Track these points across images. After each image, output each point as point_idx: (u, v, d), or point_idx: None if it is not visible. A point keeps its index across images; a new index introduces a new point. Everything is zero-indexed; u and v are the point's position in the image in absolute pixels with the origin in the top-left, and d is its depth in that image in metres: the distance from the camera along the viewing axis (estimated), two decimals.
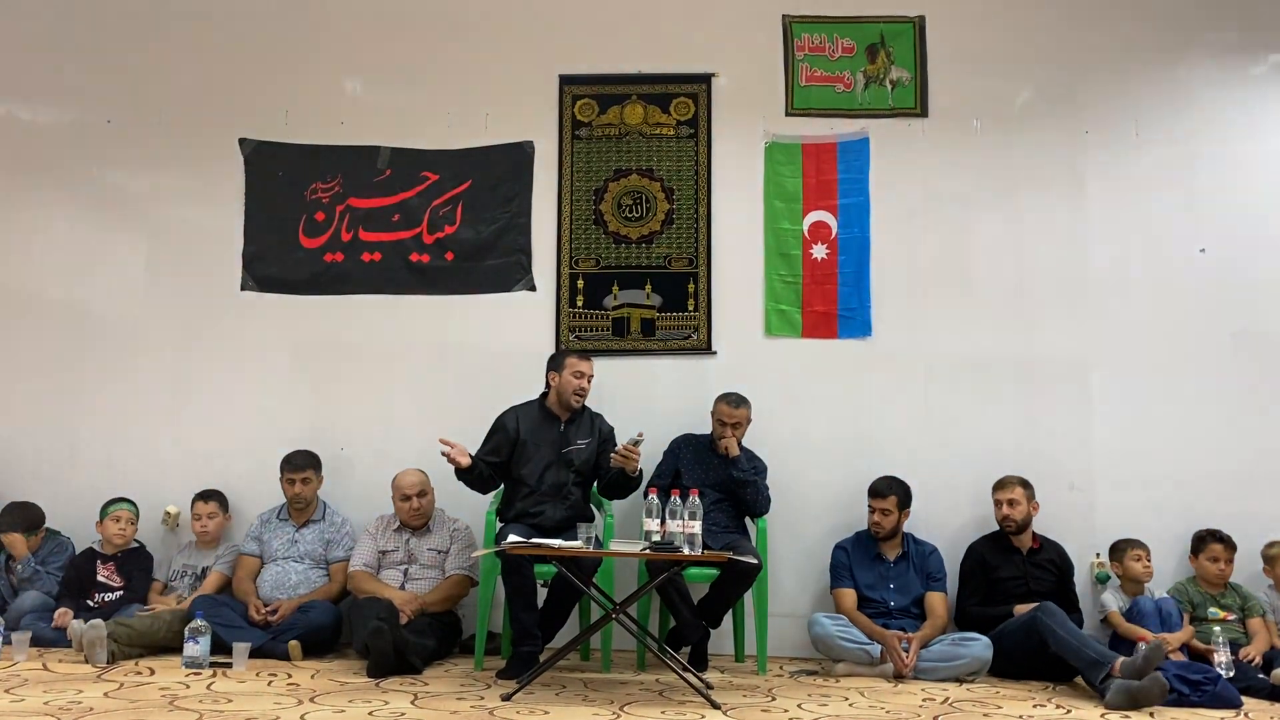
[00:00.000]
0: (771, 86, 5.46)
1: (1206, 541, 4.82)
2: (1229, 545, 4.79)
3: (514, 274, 5.44)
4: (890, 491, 4.79)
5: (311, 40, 5.62)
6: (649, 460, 4.96)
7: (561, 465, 4.65)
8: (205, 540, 5.06)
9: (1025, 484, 4.84)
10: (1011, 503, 4.80)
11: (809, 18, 5.49)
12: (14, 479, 5.19)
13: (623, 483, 4.61)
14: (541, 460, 4.64)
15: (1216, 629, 4.52)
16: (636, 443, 4.42)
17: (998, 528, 4.88)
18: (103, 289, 5.51)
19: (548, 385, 4.76)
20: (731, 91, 5.48)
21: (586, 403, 4.81)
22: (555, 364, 4.76)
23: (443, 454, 4.46)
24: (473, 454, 4.56)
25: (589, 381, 4.72)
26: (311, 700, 3.74)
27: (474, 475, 4.57)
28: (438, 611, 4.70)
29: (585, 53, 5.52)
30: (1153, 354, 5.22)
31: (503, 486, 4.77)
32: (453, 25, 5.59)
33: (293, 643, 4.51)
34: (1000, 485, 4.88)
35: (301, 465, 5.04)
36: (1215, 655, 4.37)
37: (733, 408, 4.89)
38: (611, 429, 4.80)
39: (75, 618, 4.54)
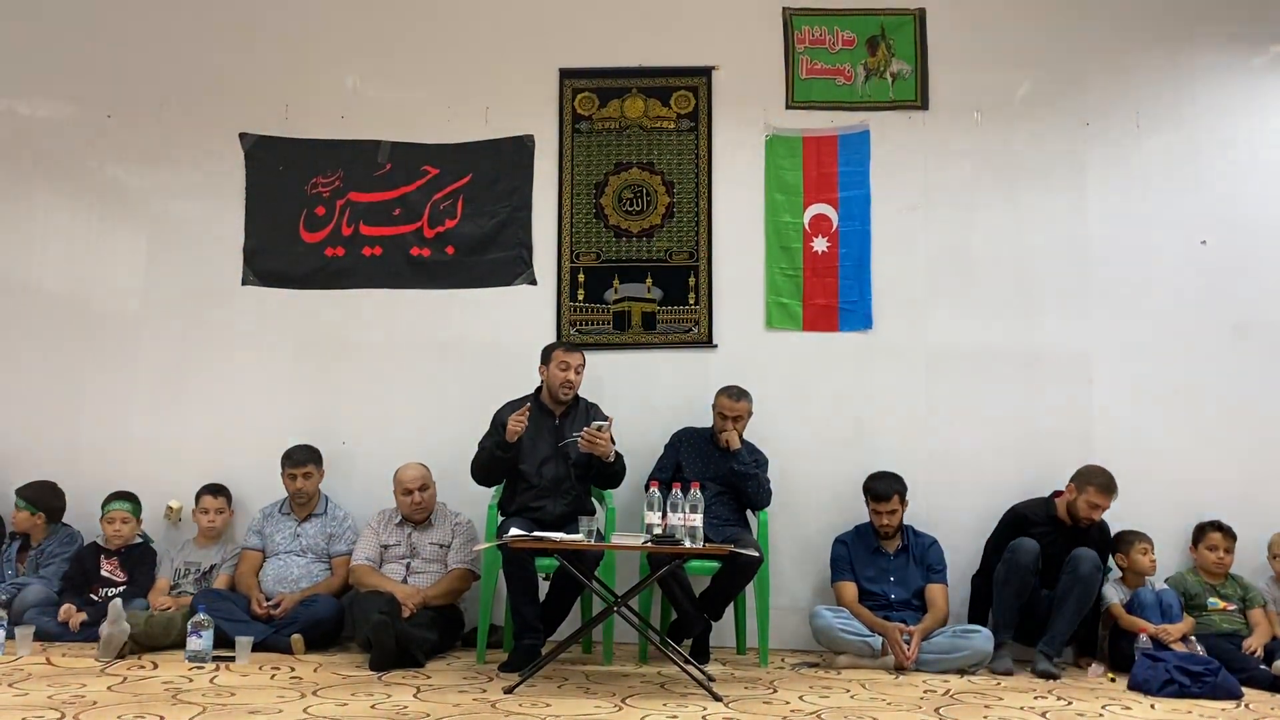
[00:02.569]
0: (772, 79, 5.45)
1: (1206, 531, 4.83)
2: (1228, 534, 4.80)
3: (515, 268, 5.44)
4: (892, 491, 4.79)
5: (312, 35, 5.62)
6: (650, 454, 5.00)
7: (559, 459, 4.65)
8: (210, 535, 5.06)
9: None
10: (1102, 510, 4.73)
11: (809, 10, 5.48)
12: (16, 474, 5.19)
13: (604, 470, 4.62)
14: (539, 455, 4.64)
15: (1215, 615, 4.54)
16: (600, 427, 4.42)
17: (1024, 501, 4.88)
18: (104, 284, 5.52)
19: (541, 380, 4.77)
20: (732, 84, 5.47)
21: (582, 395, 4.81)
22: (544, 358, 4.77)
23: (512, 420, 4.46)
24: (482, 444, 4.59)
25: (575, 373, 4.70)
26: (314, 694, 3.75)
27: (507, 456, 4.56)
28: (440, 605, 4.71)
29: (585, 46, 5.51)
30: (1154, 345, 5.22)
31: (504, 481, 4.78)
32: (452, 19, 5.58)
33: (295, 636, 4.52)
34: (1108, 489, 4.70)
35: (302, 460, 5.05)
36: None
37: (734, 401, 4.89)
38: (607, 418, 4.79)
39: (100, 604, 4.53)
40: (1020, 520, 4.81)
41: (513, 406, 4.74)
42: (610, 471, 4.64)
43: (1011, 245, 5.33)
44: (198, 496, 5.10)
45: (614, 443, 4.57)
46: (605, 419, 4.49)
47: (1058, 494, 4.88)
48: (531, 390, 4.83)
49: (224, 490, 5.13)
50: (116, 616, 4.31)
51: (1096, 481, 4.73)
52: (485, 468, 4.65)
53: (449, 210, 5.47)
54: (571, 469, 4.65)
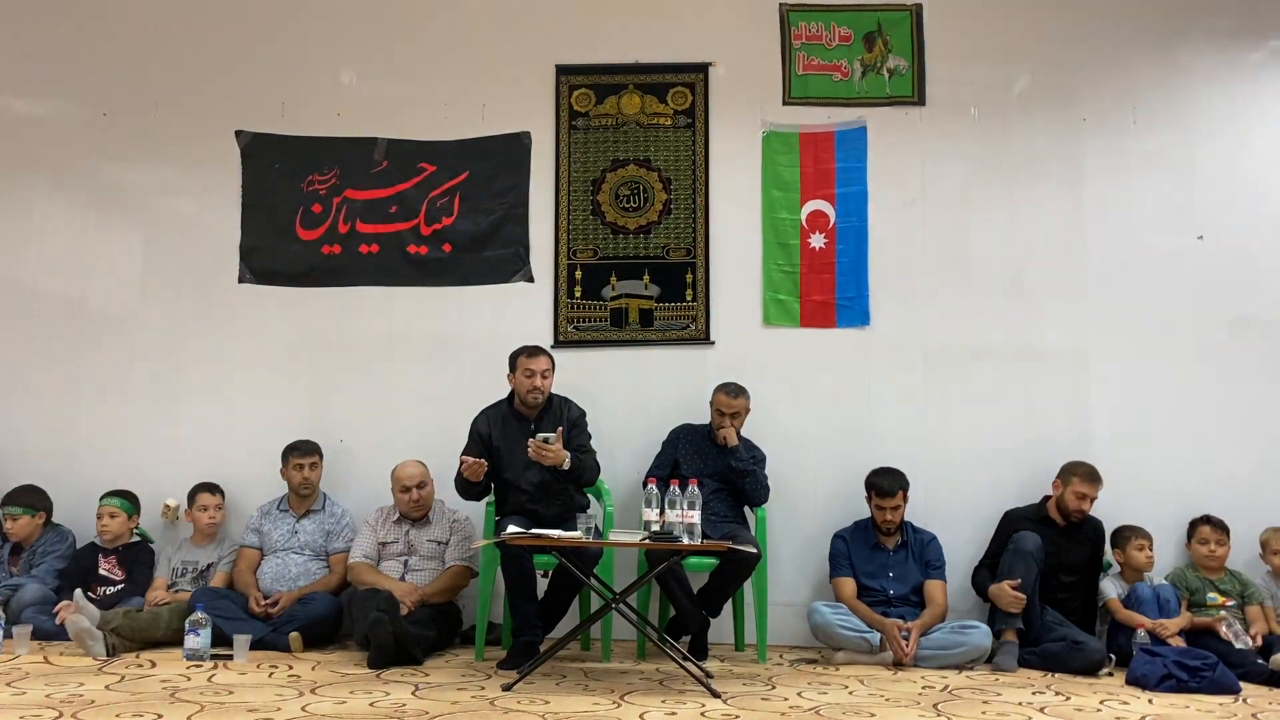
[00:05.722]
0: (769, 75, 5.45)
1: (1197, 525, 4.87)
2: (1218, 527, 4.82)
3: (512, 265, 5.43)
4: (898, 488, 4.79)
5: (307, 32, 5.61)
6: (647, 451, 5.01)
7: (540, 464, 4.50)
8: (208, 533, 5.06)
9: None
10: (1091, 500, 4.76)
11: (806, 6, 5.48)
12: (14, 473, 5.19)
13: (565, 477, 4.56)
14: (519, 462, 4.57)
15: (1222, 612, 4.56)
16: (547, 439, 4.37)
17: (1017, 507, 4.90)
18: (100, 282, 5.51)
19: (511, 387, 4.73)
20: (729, 81, 5.46)
21: (569, 394, 4.79)
22: (510, 365, 4.70)
23: (466, 465, 4.45)
24: (463, 457, 4.54)
25: (542, 378, 4.63)
26: (312, 692, 3.74)
27: (480, 485, 4.55)
28: (438, 603, 4.70)
29: (582, 42, 5.50)
30: (1151, 341, 5.22)
31: (494, 486, 4.74)
32: (449, 16, 5.57)
33: (293, 634, 4.51)
34: (1092, 478, 4.75)
35: (309, 450, 5.06)
36: (1222, 629, 4.46)
37: (731, 397, 4.89)
38: (582, 413, 4.76)
39: (100, 602, 4.53)
40: (1013, 523, 4.82)
41: (487, 415, 4.70)
42: (572, 478, 4.59)
43: (1008, 241, 5.33)
44: (193, 495, 5.09)
45: (590, 445, 4.61)
46: (553, 431, 4.44)
47: (1048, 498, 4.89)
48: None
49: (219, 488, 5.13)
50: (78, 626, 4.29)
51: (1080, 472, 4.77)
52: (464, 490, 4.63)
53: (446, 207, 5.46)
54: (553, 471, 4.54)
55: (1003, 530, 4.84)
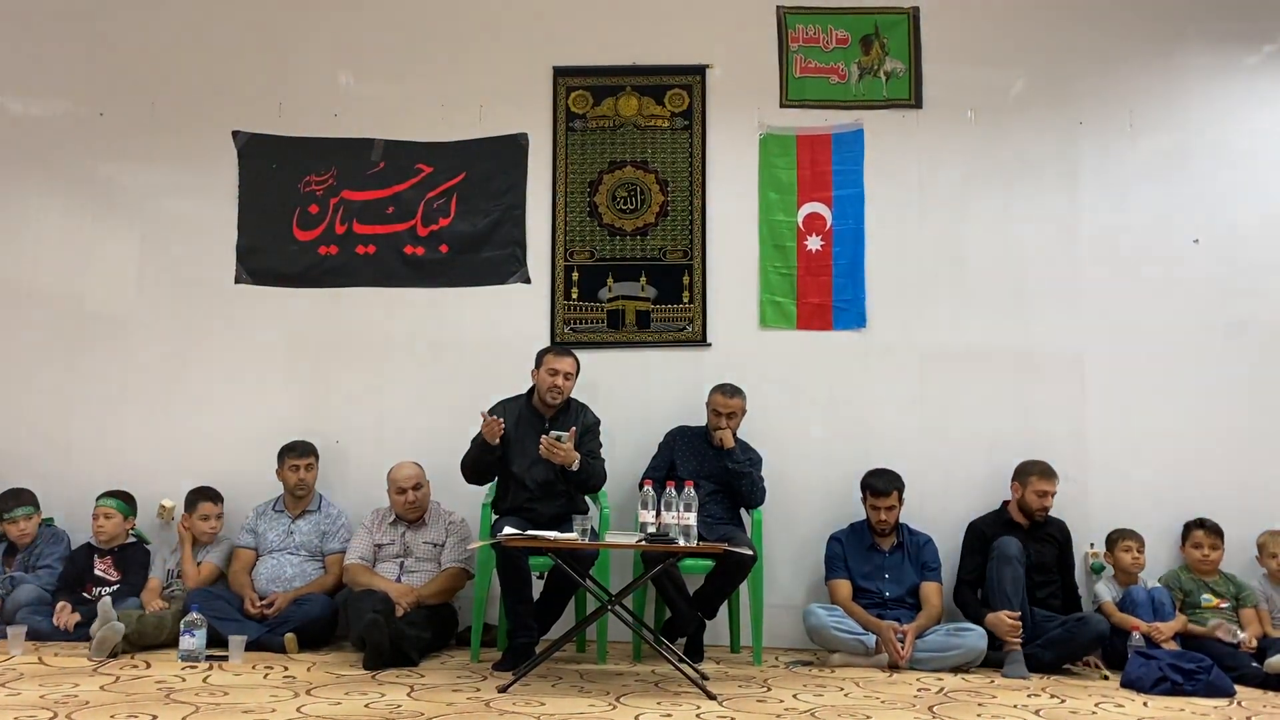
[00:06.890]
0: (766, 78, 5.45)
1: (1191, 529, 4.88)
2: (1211, 531, 4.83)
3: (509, 266, 5.43)
4: (892, 488, 4.79)
5: (305, 32, 5.61)
6: (644, 452, 5.00)
7: (548, 463, 4.53)
8: (206, 541, 5.03)
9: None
10: (1052, 496, 4.78)
11: (803, 9, 5.49)
12: (9, 472, 5.18)
13: (573, 478, 4.57)
14: (528, 458, 4.59)
15: (1216, 619, 4.57)
16: (559, 438, 4.39)
17: (979, 517, 4.93)
18: (97, 282, 5.50)
19: (533, 382, 4.75)
20: (726, 83, 5.47)
21: (576, 395, 4.79)
22: (537, 361, 4.73)
23: (485, 424, 4.44)
24: (474, 440, 4.56)
25: (564, 379, 4.65)
26: (308, 693, 3.74)
27: (492, 457, 4.54)
28: (434, 604, 4.70)
29: (579, 44, 5.50)
30: (1147, 344, 5.23)
31: (495, 482, 4.76)
32: (446, 17, 5.57)
33: (289, 635, 4.51)
34: (1048, 474, 4.79)
35: (305, 451, 5.06)
36: (1221, 634, 4.47)
37: (728, 398, 4.89)
38: (597, 420, 4.77)
39: (94, 603, 4.52)
40: (980, 533, 4.84)
41: (505, 405, 4.73)
42: (578, 480, 4.59)
43: (1004, 244, 5.34)
44: (194, 502, 5.04)
45: (600, 453, 4.62)
46: (565, 430, 4.46)
47: (1007, 502, 4.91)
48: (521, 387, 4.80)
49: (219, 496, 5.11)
50: (107, 616, 4.30)
51: (1036, 470, 4.81)
52: (474, 465, 4.63)
53: (443, 208, 5.47)
54: (560, 472, 4.57)
55: (972, 543, 4.85)
